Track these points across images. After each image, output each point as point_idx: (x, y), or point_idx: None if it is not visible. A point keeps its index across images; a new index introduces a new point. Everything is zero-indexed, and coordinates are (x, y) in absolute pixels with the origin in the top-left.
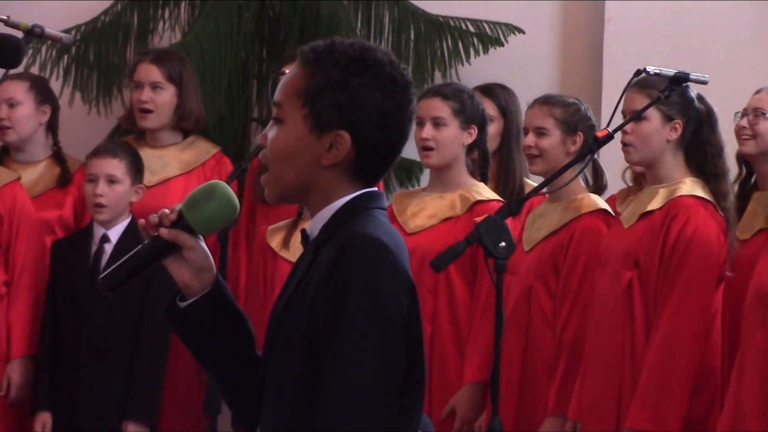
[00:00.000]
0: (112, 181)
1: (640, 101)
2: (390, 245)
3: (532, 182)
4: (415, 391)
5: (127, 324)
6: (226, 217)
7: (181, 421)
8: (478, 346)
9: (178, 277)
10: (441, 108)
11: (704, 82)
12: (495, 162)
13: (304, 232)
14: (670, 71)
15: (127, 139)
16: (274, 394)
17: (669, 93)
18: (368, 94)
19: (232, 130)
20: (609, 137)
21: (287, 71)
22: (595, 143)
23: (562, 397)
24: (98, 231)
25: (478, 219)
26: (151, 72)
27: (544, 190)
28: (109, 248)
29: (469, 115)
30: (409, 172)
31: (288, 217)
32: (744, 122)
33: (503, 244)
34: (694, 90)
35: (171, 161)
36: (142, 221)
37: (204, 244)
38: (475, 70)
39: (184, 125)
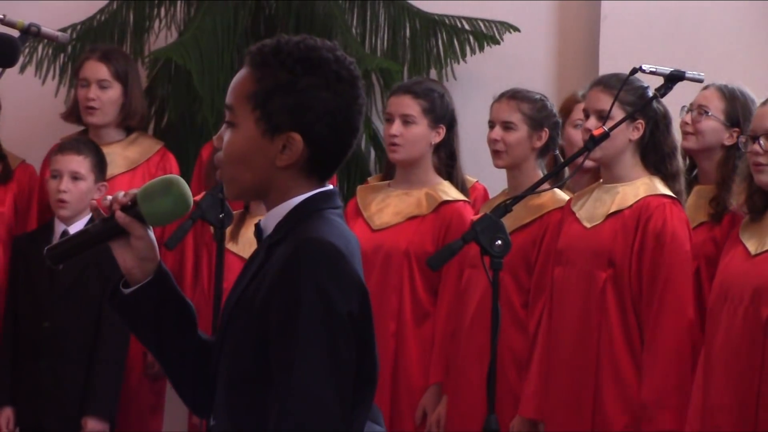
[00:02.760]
0: (75, 177)
1: (604, 100)
2: (342, 249)
3: (469, 177)
4: (364, 389)
5: (87, 320)
6: (180, 213)
7: (139, 420)
8: (443, 347)
9: (121, 263)
10: (411, 106)
11: (700, 80)
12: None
13: (257, 225)
14: (666, 69)
15: (71, 135)
16: (225, 391)
17: (665, 91)
18: (316, 94)
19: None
20: (605, 136)
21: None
22: (591, 141)
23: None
24: (59, 227)
25: (475, 217)
26: (98, 69)
27: (504, 186)
28: None
29: (439, 115)
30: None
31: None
32: (687, 118)
33: (499, 242)
34: (651, 90)
35: (115, 159)
36: (93, 202)
37: (152, 235)
38: (471, 68)
39: (129, 123)
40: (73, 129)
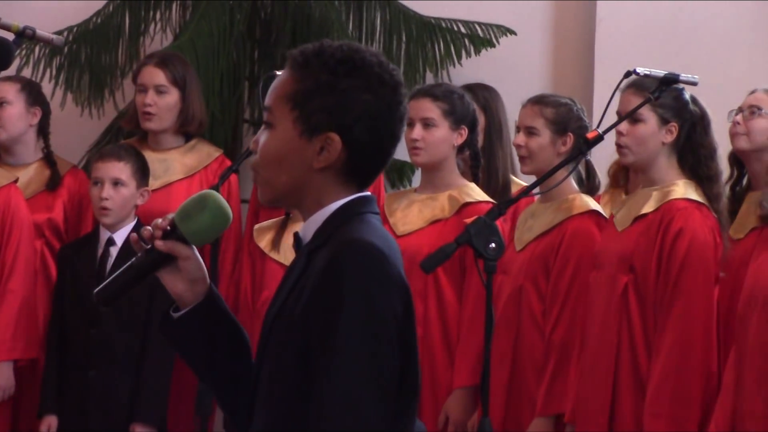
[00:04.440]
0: (117, 184)
1: (635, 102)
2: (385, 250)
3: (519, 180)
4: (408, 399)
5: (134, 327)
6: (220, 227)
7: (187, 423)
8: (468, 350)
9: (172, 289)
10: (431, 109)
11: (694, 83)
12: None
13: (296, 235)
14: (660, 72)
15: (129, 141)
16: (265, 399)
17: (659, 94)
18: (357, 95)
19: (223, 132)
20: (599, 138)
21: (279, 74)
22: (586, 144)
23: (550, 398)
24: (104, 234)
25: (468, 220)
26: (155, 75)
27: (535, 190)
28: (114, 251)
29: (460, 116)
30: (401, 173)
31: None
32: (739, 118)
33: (493, 245)
34: (688, 92)
35: (173, 165)
36: (134, 235)
37: (198, 254)
38: (467, 72)
39: (187, 129)
40: (70, 132)
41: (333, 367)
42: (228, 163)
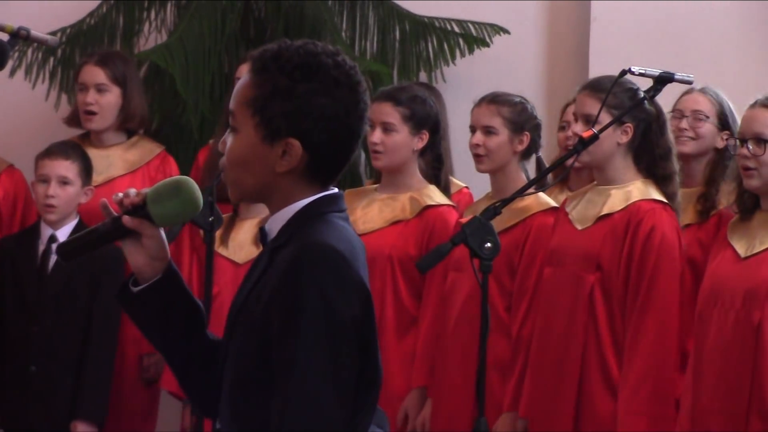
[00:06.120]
0: (64, 182)
1: (591, 104)
2: (344, 252)
3: (457, 181)
4: (366, 394)
5: (76, 323)
6: (188, 215)
7: (132, 424)
8: (426, 351)
9: (132, 261)
10: (391, 113)
11: (689, 82)
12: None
13: (262, 230)
14: (655, 71)
15: (73, 138)
16: (229, 394)
17: (654, 93)
18: (314, 100)
19: (214, 132)
20: (594, 138)
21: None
22: (580, 143)
23: (518, 394)
24: (46, 231)
25: (464, 220)
26: (95, 74)
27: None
28: None
29: (420, 120)
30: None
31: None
32: (685, 124)
33: (489, 244)
34: (641, 91)
35: (116, 161)
36: (104, 200)
37: (163, 234)
38: (461, 71)
39: (129, 126)
40: (63, 133)
41: (292, 369)
42: (170, 159)
